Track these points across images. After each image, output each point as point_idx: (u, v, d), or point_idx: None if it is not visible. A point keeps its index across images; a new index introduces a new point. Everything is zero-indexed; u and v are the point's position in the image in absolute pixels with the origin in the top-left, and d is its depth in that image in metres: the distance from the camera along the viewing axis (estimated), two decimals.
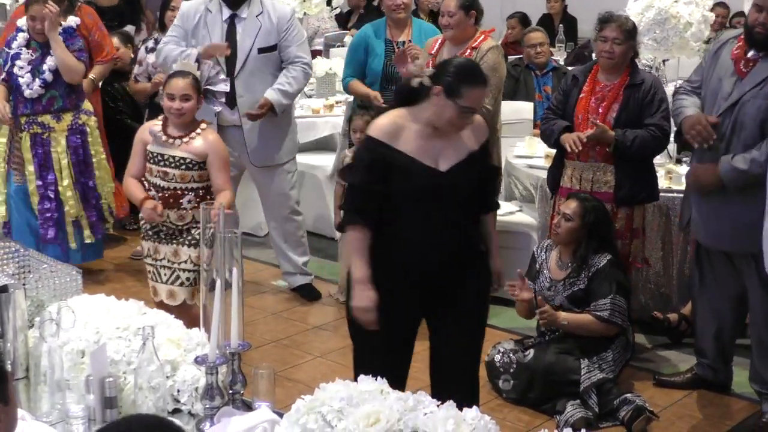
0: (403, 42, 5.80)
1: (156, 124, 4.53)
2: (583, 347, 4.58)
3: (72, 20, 5.85)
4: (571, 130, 4.87)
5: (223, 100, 4.68)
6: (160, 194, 4.46)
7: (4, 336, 2.86)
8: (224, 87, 4.60)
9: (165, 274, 4.52)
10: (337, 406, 2.40)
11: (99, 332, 2.83)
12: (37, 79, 5.72)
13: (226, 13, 5.55)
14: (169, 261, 4.51)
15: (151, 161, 4.50)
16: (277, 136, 5.74)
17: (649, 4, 5.73)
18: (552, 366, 4.53)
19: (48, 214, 5.81)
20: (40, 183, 5.80)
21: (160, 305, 4.42)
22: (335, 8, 11.05)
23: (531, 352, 4.63)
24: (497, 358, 4.70)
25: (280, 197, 5.85)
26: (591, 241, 4.63)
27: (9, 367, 2.75)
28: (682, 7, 5.66)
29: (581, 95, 4.89)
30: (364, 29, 6.08)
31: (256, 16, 5.54)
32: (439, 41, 5.47)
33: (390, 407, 2.36)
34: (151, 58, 6.26)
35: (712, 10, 5.93)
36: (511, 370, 4.64)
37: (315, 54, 7.57)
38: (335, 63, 7.82)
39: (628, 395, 4.44)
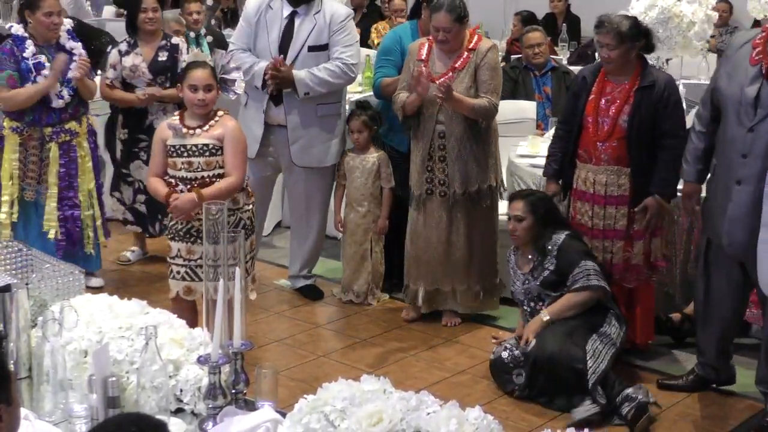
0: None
1: (173, 119, 4.53)
2: (580, 326, 4.59)
3: (68, 23, 5.69)
4: (560, 176, 4.99)
5: (237, 89, 4.63)
6: (188, 186, 4.45)
7: (7, 336, 2.86)
8: (236, 75, 4.61)
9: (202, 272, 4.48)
10: (340, 405, 2.41)
11: (102, 332, 2.84)
12: (65, 89, 5.52)
13: (287, 9, 5.55)
14: None
15: (174, 155, 4.47)
16: (323, 139, 5.66)
17: (652, 3, 5.72)
18: (554, 356, 4.52)
19: (68, 225, 5.59)
20: (64, 193, 5.59)
21: (180, 303, 4.45)
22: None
23: (533, 342, 4.63)
24: (504, 355, 4.70)
25: (314, 201, 5.78)
26: (547, 230, 4.73)
27: (12, 367, 2.75)
28: (685, 6, 5.65)
29: (591, 96, 4.85)
30: (394, 34, 5.94)
31: (314, 14, 5.53)
32: (426, 46, 5.31)
33: (393, 407, 2.36)
34: (127, 60, 5.99)
35: (713, 8, 5.92)
36: (521, 364, 4.64)
37: None
38: None
39: (630, 390, 4.42)
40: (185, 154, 4.46)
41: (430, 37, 5.28)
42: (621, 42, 4.72)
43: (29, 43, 5.46)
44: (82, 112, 5.66)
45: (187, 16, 7.48)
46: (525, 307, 4.83)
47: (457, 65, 5.21)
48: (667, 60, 6.82)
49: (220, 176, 4.45)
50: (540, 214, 4.74)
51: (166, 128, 4.53)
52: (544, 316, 4.65)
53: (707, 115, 4.43)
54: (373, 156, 5.69)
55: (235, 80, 4.60)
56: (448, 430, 2.30)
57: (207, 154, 4.45)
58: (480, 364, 5.00)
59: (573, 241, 4.71)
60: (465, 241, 5.37)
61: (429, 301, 5.49)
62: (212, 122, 4.49)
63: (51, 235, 5.54)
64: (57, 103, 5.51)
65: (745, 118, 4.15)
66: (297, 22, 5.53)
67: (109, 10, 11.77)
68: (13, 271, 3.29)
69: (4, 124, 5.53)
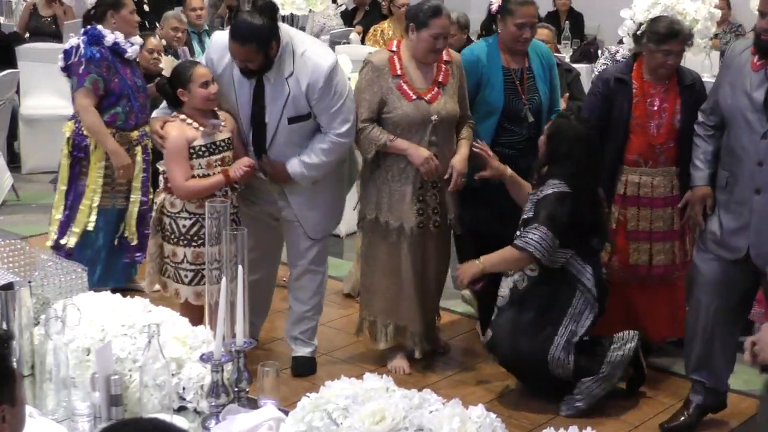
0: (521, 70, 4.97)
1: (189, 125, 4.44)
2: (545, 316, 4.47)
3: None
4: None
5: None
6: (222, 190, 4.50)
7: (13, 336, 2.86)
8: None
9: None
10: (343, 403, 2.41)
11: (104, 330, 2.84)
12: (148, 85, 5.48)
13: None
14: None
15: (206, 154, 4.45)
16: (330, 204, 4.86)
17: (655, 1, 5.70)
18: (523, 365, 4.53)
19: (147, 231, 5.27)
20: (144, 199, 5.48)
21: (190, 309, 4.41)
22: (341, 5, 11.05)
23: (489, 333, 4.59)
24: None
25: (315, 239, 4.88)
26: (545, 154, 4.52)
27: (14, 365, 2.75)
28: (688, 4, 5.63)
29: (635, 100, 4.73)
30: (473, 54, 5.00)
31: (286, 78, 4.46)
32: (396, 59, 4.68)
33: (395, 405, 2.36)
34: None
35: (716, 6, 5.91)
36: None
37: None
38: (340, 60, 7.81)
39: (616, 355, 4.48)
40: (216, 151, 4.47)
41: (395, 49, 4.73)
42: (686, 47, 4.72)
43: (107, 32, 5.33)
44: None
45: (189, 13, 7.46)
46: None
47: (440, 79, 4.69)
48: None
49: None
50: (550, 134, 4.53)
51: (188, 130, 4.43)
52: (479, 262, 4.49)
53: (711, 122, 4.34)
54: None
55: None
56: (450, 428, 2.30)
57: (231, 147, 4.52)
58: (481, 362, 5.00)
59: (554, 200, 4.40)
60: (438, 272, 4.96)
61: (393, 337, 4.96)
62: (220, 116, 4.52)
63: (135, 241, 5.49)
64: (138, 101, 5.40)
65: (757, 125, 4.05)
66: (267, 87, 4.49)
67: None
68: (16, 269, 3.30)
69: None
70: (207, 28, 7.59)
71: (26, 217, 7.46)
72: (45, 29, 9.74)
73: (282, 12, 9.08)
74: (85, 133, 5.35)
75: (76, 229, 5.38)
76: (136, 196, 5.45)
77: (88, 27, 5.41)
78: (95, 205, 5.38)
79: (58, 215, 5.46)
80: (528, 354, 4.46)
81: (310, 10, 7.94)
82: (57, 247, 5.36)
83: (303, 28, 10.35)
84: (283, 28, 4.53)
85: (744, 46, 4.25)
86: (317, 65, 4.44)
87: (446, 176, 4.66)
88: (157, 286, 4.68)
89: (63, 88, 8.67)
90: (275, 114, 4.52)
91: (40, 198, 7.89)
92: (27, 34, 9.69)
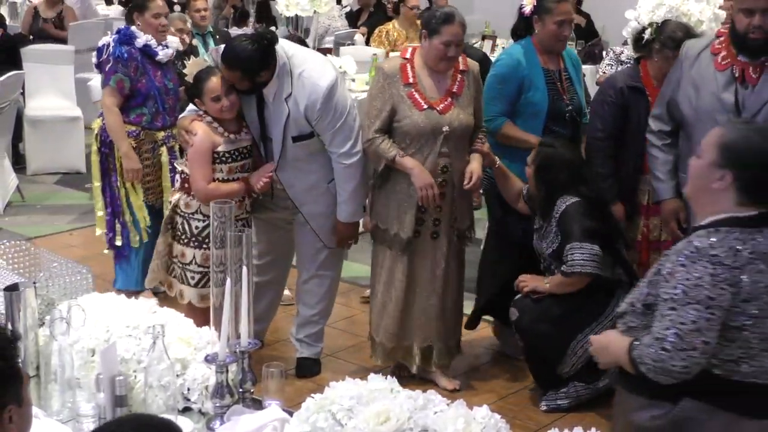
0: (558, 71, 4.91)
1: (215, 128, 4.44)
2: (574, 315, 4.43)
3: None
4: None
5: None
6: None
7: (19, 338, 2.87)
8: None
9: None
10: (347, 404, 2.41)
11: (109, 331, 2.84)
12: (171, 83, 5.46)
13: None
14: None
15: (229, 160, 4.46)
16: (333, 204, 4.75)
17: (659, 2, 5.70)
18: (535, 341, 4.53)
19: None
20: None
21: (194, 311, 4.38)
22: (345, 6, 11.07)
23: (515, 313, 4.56)
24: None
25: (326, 254, 4.85)
26: (541, 186, 4.50)
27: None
28: (692, 4, 5.63)
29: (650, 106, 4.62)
30: (511, 58, 4.89)
31: (285, 98, 4.46)
32: (409, 67, 4.56)
33: (400, 406, 2.36)
34: None
35: (720, 6, 5.91)
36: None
37: (325, 52, 7.56)
38: (345, 61, 7.82)
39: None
40: (239, 158, 4.50)
41: (408, 56, 4.60)
42: None
43: (140, 33, 5.31)
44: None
45: (193, 14, 7.45)
46: (541, 260, 4.63)
47: (454, 90, 4.56)
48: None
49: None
50: (537, 164, 4.51)
51: (212, 134, 4.42)
52: (545, 282, 4.50)
53: (668, 129, 4.24)
54: None
55: None
56: (455, 429, 2.30)
57: (252, 155, 4.55)
58: (486, 363, 5.00)
59: (572, 214, 4.37)
60: (457, 287, 4.80)
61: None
62: (244, 123, 4.53)
63: None
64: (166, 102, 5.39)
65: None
66: (268, 106, 4.52)
67: (115, 8, 11.81)
68: (21, 270, 3.30)
69: None
70: (211, 29, 7.58)
71: (31, 218, 7.48)
72: (47, 31, 9.77)
73: (287, 14, 9.12)
74: None
75: (135, 228, 5.37)
76: (167, 196, 5.37)
77: (123, 26, 5.43)
78: (142, 200, 5.38)
79: (100, 212, 5.47)
80: (551, 335, 4.45)
81: (315, 12, 7.94)
82: (113, 247, 5.43)
83: (307, 30, 10.38)
84: (284, 46, 4.50)
85: (701, 46, 4.15)
86: (315, 86, 4.43)
87: (466, 184, 4.56)
88: (158, 285, 4.69)
89: (67, 90, 8.74)
90: (278, 132, 4.52)
91: (45, 199, 7.91)
92: (30, 36, 9.73)
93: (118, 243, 5.40)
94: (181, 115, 4.73)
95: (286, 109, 4.45)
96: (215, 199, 4.30)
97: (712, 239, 2.71)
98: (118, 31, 5.37)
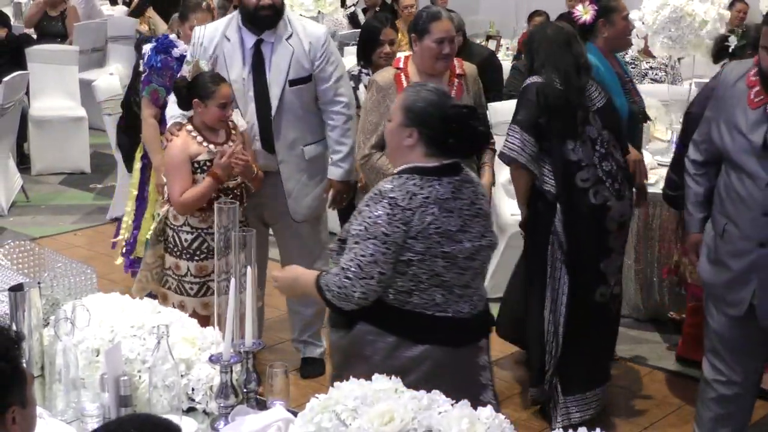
0: (619, 74, 4.82)
1: (194, 138, 4.30)
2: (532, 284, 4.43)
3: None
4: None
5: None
6: (230, 195, 4.31)
7: (24, 338, 2.87)
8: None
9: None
10: (352, 404, 2.40)
11: (114, 331, 2.84)
12: None
13: (250, 40, 4.49)
14: None
15: (209, 169, 4.30)
16: (321, 183, 4.73)
17: (664, 2, 5.71)
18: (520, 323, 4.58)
19: None
20: None
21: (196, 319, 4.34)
22: (349, 6, 11.05)
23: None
24: None
25: (316, 247, 4.82)
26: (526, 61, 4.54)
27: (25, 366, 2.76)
28: (697, 5, 5.64)
29: None
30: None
31: (286, 39, 4.48)
32: (403, 75, 4.38)
33: (404, 406, 2.36)
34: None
35: (731, 6, 5.91)
36: None
37: None
38: (349, 61, 7.82)
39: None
40: None
41: (401, 66, 4.42)
42: None
43: (180, 43, 5.10)
44: None
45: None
46: None
47: (452, 96, 4.15)
48: (679, 59, 6.81)
49: (238, 185, 4.40)
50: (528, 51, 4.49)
51: (191, 144, 4.29)
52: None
53: (702, 158, 3.91)
54: None
55: None
56: (459, 429, 2.30)
57: None
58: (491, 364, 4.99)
59: (522, 94, 4.32)
60: None
61: None
62: (233, 134, 4.38)
63: None
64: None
65: (758, 171, 3.57)
66: (267, 52, 4.47)
67: (119, 9, 11.81)
68: (26, 270, 3.31)
69: None
70: None
71: (36, 218, 7.48)
72: (52, 29, 9.79)
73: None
74: None
75: (141, 238, 5.21)
76: None
77: (162, 35, 5.32)
78: (153, 213, 5.20)
79: (129, 220, 5.40)
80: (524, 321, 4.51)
81: (319, 12, 7.93)
82: (129, 257, 5.37)
83: None
84: None
85: (738, 74, 3.72)
86: (315, 26, 4.69)
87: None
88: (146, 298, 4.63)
89: (72, 90, 8.75)
90: (280, 78, 4.48)
91: (49, 199, 7.92)
92: (35, 34, 9.74)
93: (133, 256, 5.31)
94: (170, 123, 4.52)
95: (290, 48, 4.50)
96: (194, 206, 4.27)
97: (393, 183, 3.07)
98: (158, 39, 5.22)
